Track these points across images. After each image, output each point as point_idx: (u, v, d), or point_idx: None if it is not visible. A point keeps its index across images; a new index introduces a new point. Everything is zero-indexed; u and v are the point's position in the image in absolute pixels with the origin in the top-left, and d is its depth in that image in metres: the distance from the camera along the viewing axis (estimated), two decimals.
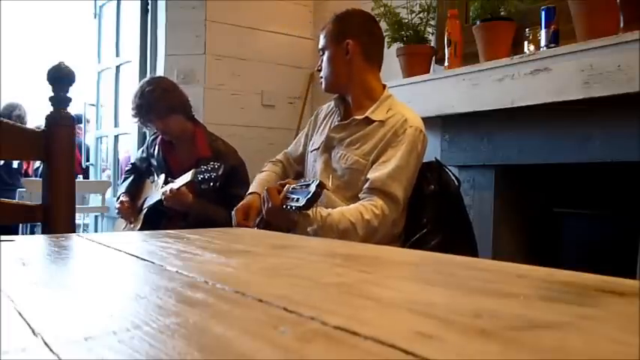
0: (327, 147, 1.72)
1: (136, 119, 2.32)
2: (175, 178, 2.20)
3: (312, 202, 1.37)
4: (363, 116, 1.64)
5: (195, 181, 2.00)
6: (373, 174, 1.56)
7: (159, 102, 2.24)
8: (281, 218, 1.53)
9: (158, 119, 2.25)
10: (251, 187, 1.84)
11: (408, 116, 1.62)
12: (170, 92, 2.30)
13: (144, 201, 2.41)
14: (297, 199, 1.40)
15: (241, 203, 1.73)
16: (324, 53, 1.76)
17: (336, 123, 1.74)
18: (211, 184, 1.98)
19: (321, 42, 1.78)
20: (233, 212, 1.71)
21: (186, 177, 2.05)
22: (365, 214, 1.50)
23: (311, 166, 1.79)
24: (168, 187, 2.13)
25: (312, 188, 1.36)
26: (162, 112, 2.24)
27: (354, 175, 1.61)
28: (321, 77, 1.78)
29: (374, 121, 1.63)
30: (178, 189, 2.09)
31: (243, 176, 2.30)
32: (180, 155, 2.36)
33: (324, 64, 1.76)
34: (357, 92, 1.72)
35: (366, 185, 1.56)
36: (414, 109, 1.71)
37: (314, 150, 1.79)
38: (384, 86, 1.75)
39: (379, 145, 1.59)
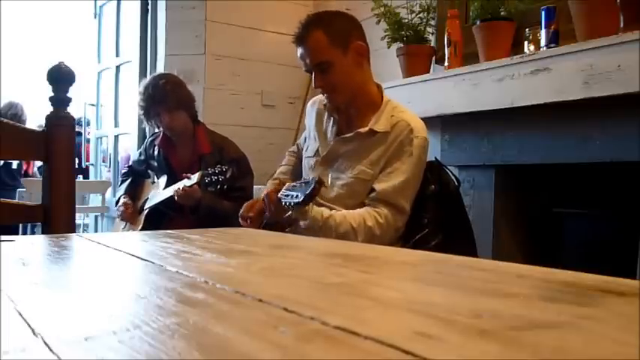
0: (329, 159, 1.66)
1: (143, 112, 2.33)
2: (177, 177, 2.20)
3: (310, 197, 1.38)
4: (367, 129, 1.58)
5: (202, 183, 2.02)
6: (379, 185, 1.54)
7: (171, 95, 2.27)
8: (281, 219, 1.55)
9: (166, 112, 2.27)
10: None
11: (413, 125, 1.57)
12: (181, 87, 2.35)
13: (144, 202, 2.41)
14: (296, 196, 1.41)
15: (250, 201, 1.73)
16: (328, 68, 1.56)
17: (333, 135, 1.66)
18: (218, 186, 2.01)
19: (318, 56, 1.56)
20: (242, 207, 1.70)
21: (194, 179, 2.06)
22: (368, 220, 1.50)
23: (306, 172, 1.76)
24: (180, 185, 2.13)
25: (311, 184, 1.38)
26: (172, 106, 2.27)
27: (359, 184, 1.58)
28: (325, 94, 1.63)
29: (378, 132, 1.57)
30: (191, 187, 2.10)
31: (245, 168, 2.32)
32: (181, 153, 2.37)
33: (334, 78, 1.57)
34: (361, 103, 1.63)
35: (372, 195, 1.55)
36: (413, 110, 1.69)
37: (309, 157, 1.75)
38: (379, 87, 1.68)
39: (386, 155, 1.56)
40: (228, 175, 1.99)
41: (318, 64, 1.58)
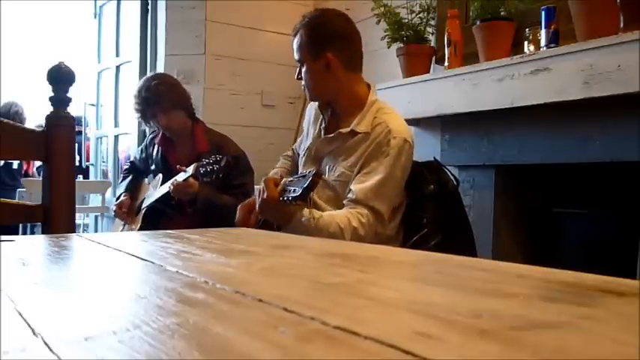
0: (316, 159, 1.69)
1: (139, 114, 2.32)
2: (175, 175, 2.20)
3: (308, 190, 1.34)
4: (349, 129, 1.60)
5: (197, 174, 2.01)
6: (355, 185, 1.53)
7: (165, 96, 2.27)
8: (275, 211, 1.48)
9: (162, 113, 2.26)
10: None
11: (392, 126, 1.56)
12: (176, 87, 2.35)
13: (141, 202, 2.41)
14: (294, 190, 1.37)
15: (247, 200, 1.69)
16: (302, 65, 1.67)
17: (322, 134, 1.70)
18: (213, 176, 1.99)
19: (296, 53, 1.67)
20: (239, 207, 1.66)
21: (189, 171, 2.05)
22: (352, 221, 1.49)
23: (300, 171, 1.76)
24: (173, 179, 2.12)
25: (309, 177, 1.34)
26: (168, 107, 2.27)
27: (341, 186, 1.59)
28: (304, 87, 1.71)
29: (359, 133, 1.59)
30: (185, 180, 2.09)
31: (245, 165, 2.31)
32: (180, 152, 2.37)
33: (304, 77, 1.67)
34: (345, 102, 1.66)
35: (349, 195, 1.53)
36: (413, 110, 1.69)
37: (300, 155, 1.78)
38: (369, 87, 1.70)
39: (363, 156, 1.56)
40: (223, 164, 1.98)
41: (297, 60, 1.69)
